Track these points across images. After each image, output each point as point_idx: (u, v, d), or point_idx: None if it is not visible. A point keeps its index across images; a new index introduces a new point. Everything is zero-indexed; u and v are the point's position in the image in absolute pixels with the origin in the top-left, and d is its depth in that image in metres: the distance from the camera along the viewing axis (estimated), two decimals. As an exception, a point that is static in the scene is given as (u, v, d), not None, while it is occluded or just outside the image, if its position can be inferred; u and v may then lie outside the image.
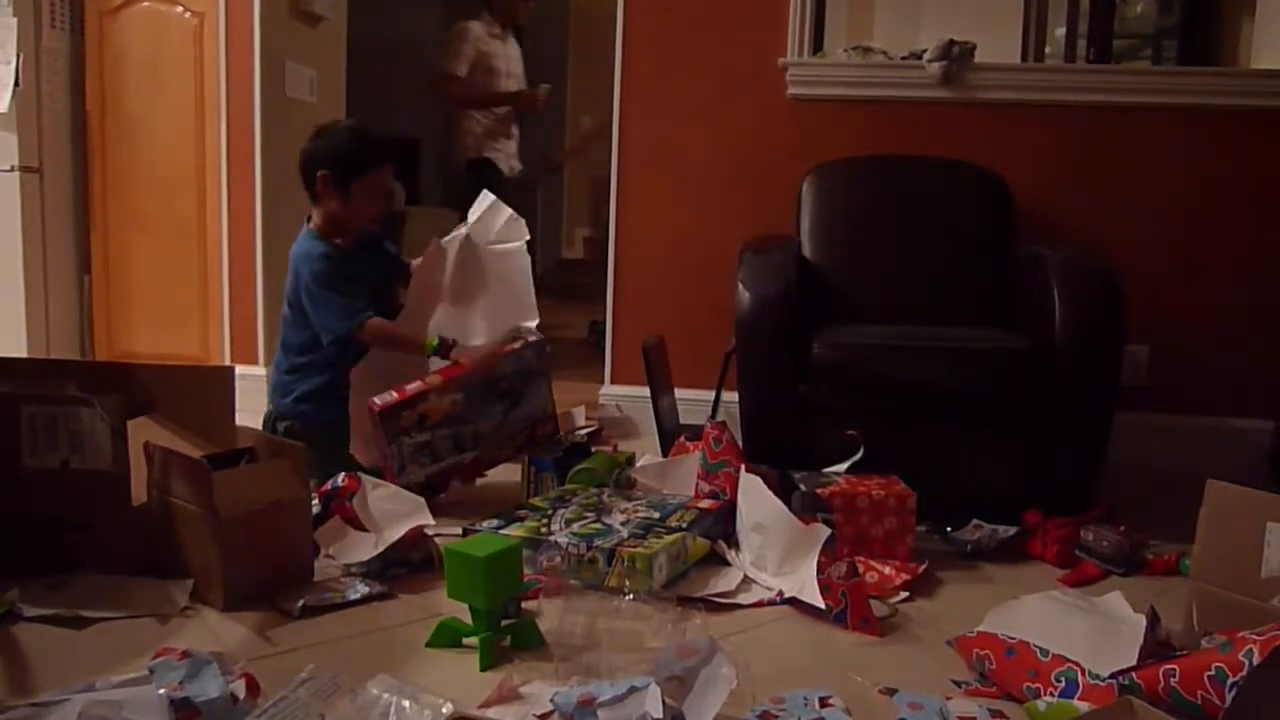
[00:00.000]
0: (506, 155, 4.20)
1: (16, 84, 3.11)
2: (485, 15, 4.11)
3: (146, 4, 3.28)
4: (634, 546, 1.81)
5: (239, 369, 2.18)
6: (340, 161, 2.39)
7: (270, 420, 2.46)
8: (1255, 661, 1.23)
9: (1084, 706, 1.32)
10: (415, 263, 2.60)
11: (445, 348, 2.37)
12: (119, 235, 3.38)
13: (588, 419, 3.02)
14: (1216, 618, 1.52)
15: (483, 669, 1.50)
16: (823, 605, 1.71)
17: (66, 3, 3.31)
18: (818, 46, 3.12)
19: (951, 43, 2.97)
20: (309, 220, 2.49)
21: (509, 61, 4.20)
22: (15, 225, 3.21)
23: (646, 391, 2.83)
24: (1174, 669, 1.31)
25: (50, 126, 3.29)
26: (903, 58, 3.07)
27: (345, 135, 2.47)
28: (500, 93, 4.14)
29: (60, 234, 3.37)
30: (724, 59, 3.12)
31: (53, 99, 3.29)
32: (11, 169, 3.18)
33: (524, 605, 1.69)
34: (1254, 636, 1.27)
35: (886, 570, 1.94)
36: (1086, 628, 1.55)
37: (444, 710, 1.26)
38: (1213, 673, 1.26)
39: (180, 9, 3.27)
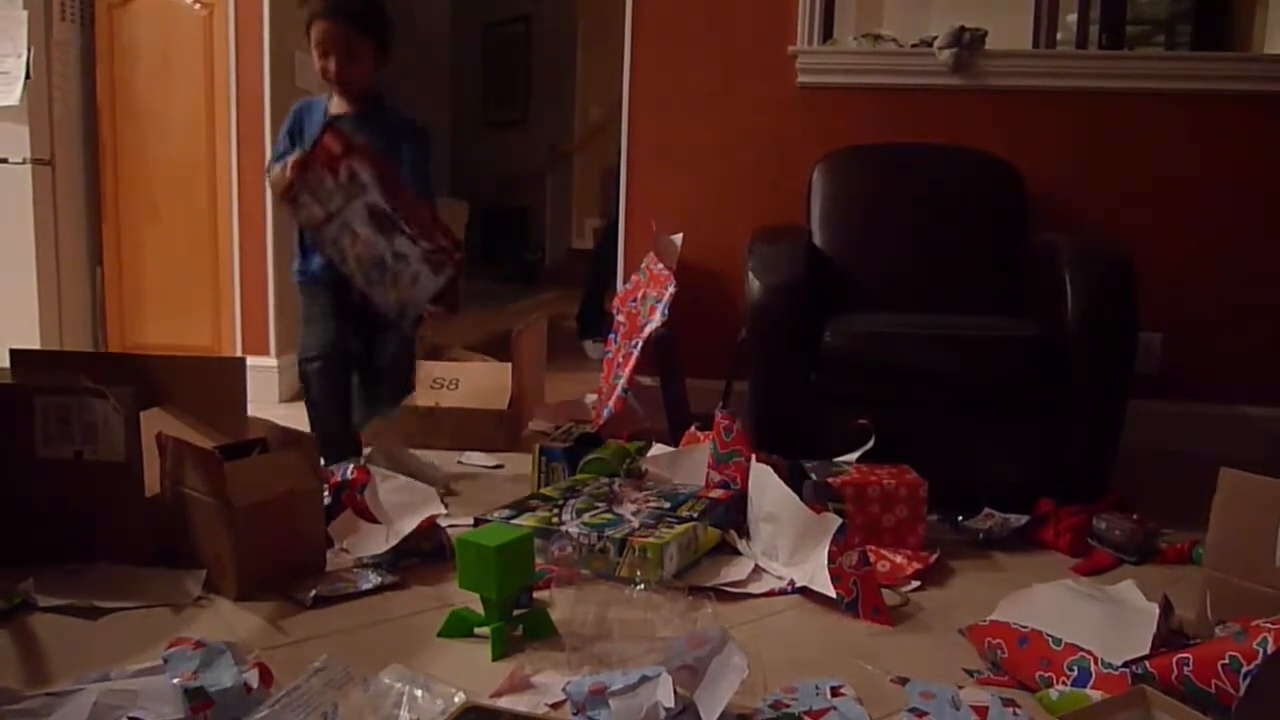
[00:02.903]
0: None
1: (27, 76, 3.13)
2: None
3: (156, -5, 3.29)
4: (645, 536, 1.82)
5: (250, 360, 2.18)
6: None
7: None
8: (1270, 650, 1.23)
9: (1097, 695, 1.31)
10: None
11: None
12: (130, 226, 3.39)
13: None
14: (1230, 606, 1.51)
15: (494, 659, 1.50)
16: (834, 594, 1.71)
17: (76, -5, 3.33)
18: (827, 34, 3.10)
19: (962, 29, 2.95)
20: None
21: None
22: (27, 217, 3.22)
23: (655, 381, 2.83)
24: (1188, 657, 1.30)
25: (61, 119, 3.30)
26: (913, 45, 3.05)
27: None
28: None
29: (72, 225, 3.38)
30: (734, 47, 3.10)
31: (63, 91, 3.30)
32: (23, 161, 3.19)
33: (535, 595, 1.69)
34: (1268, 625, 1.27)
35: (898, 559, 1.94)
36: (1099, 616, 1.55)
37: (456, 699, 1.27)
38: (1227, 661, 1.26)
39: (190, 0, 3.27)
